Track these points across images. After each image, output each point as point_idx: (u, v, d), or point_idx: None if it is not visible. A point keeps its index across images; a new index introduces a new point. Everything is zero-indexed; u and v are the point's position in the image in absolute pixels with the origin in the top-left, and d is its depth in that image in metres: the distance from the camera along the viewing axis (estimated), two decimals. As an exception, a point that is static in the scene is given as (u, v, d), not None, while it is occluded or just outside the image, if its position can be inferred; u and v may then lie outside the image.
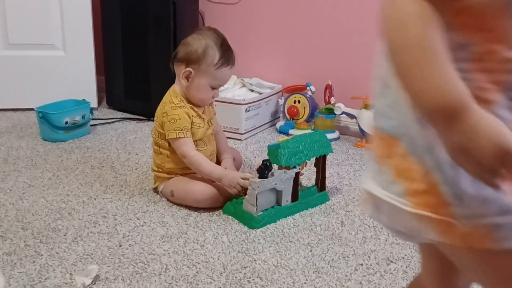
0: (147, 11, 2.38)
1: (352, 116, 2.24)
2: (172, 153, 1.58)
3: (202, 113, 1.60)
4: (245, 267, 1.25)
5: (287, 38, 2.42)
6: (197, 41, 1.53)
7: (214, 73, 1.53)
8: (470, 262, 0.63)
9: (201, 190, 1.51)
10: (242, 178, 1.49)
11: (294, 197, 1.53)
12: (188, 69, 1.53)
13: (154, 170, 1.63)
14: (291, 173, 1.49)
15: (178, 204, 1.57)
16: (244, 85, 2.41)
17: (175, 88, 1.59)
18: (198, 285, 1.18)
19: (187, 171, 1.59)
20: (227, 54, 1.54)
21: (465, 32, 0.54)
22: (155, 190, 1.66)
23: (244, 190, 1.48)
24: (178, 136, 1.52)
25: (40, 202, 1.58)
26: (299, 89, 2.37)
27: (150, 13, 2.37)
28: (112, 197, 1.62)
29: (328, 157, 1.64)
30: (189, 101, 1.58)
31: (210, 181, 1.56)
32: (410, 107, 0.57)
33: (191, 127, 1.55)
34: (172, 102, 1.56)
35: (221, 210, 1.54)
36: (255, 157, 2.01)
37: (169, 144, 1.57)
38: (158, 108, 1.60)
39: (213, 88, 1.56)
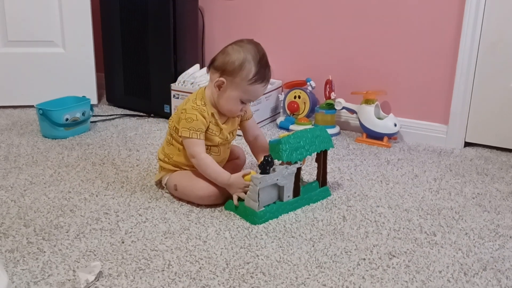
0: (146, 7, 2.37)
1: (352, 111, 2.24)
2: (183, 148, 1.57)
3: (224, 123, 1.58)
4: (247, 263, 1.26)
5: (287, 33, 2.42)
6: (236, 53, 1.50)
7: (246, 88, 1.50)
8: None
9: (204, 187, 1.51)
10: (245, 175, 1.49)
11: (296, 192, 1.53)
12: (221, 79, 1.50)
13: (160, 159, 1.62)
14: (293, 168, 1.49)
15: (180, 200, 1.57)
16: (244, 81, 2.41)
17: (206, 91, 1.57)
18: (201, 281, 1.18)
19: (193, 168, 1.58)
20: (263, 71, 1.52)
21: None
22: (157, 183, 1.66)
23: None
24: (191, 136, 1.51)
25: (41, 199, 1.58)
26: (299, 85, 2.37)
27: (149, 9, 2.37)
28: (113, 193, 1.62)
29: (329, 152, 1.64)
30: (215, 107, 1.56)
31: (204, 181, 1.56)
32: None
33: (207, 132, 1.54)
34: (195, 102, 1.53)
35: (223, 206, 1.54)
36: (256, 153, 2.01)
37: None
38: (182, 102, 1.59)
39: (243, 102, 1.54)
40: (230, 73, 1.49)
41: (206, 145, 1.56)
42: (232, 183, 1.50)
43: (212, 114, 1.55)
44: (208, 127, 1.54)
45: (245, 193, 1.47)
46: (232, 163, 1.72)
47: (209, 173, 1.52)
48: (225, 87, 1.51)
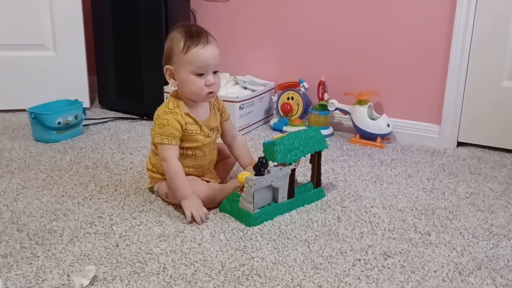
0: (138, 10, 2.36)
1: (345, 112, 2.24)
2: None
3: (205, 120, 1.55)
4: (243, 265, 1.25)
5: (280, 35, 2.42)
6: (166, 42, 1.53)
7: (186, 59, 1.47)
8: None
9: (196, 191, 1.50)
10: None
11: (290, 194, 1.53)
12: (166, 66, 1.52)
13: (149, 169, 1.62)
14: (287, 169, 1.49)
15: (174, 203, 1.56)
16: (237, 83, 2.41)
17: (175, 93, 1.57)
18: (196, 284, 1.18)
19: None
20: (192, 35, 1.48)
21: None
22: (151, 189, 1.65)
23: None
24: (162, 142, 1.48)
25: (34, 203, 1.56)
26: (292, 86, 2.37)
27: (141, 11, 2.36)
28: (107, 197, 1.61)
29: (323, 153, 1.64)
30: (188, 104, 1.53)
31: (204, 181, 1.56)
32: None
33: (186, 134, 1.51)
34: (167, 106, 1.52)
35: (217, 208, 1.53)
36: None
37: None
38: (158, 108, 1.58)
39: (200, 75, 1.48)
40: (169, 58, 1.51)
41: (190, 148, 1.54)
42: (190, 201, 1.46)
43: (187, 114, 1.52)
44: (186, 129, 1.51)
45: (197, 221, 1.45)
46: (223, 162, 1.71)
47: (174, 181, 1.48)
48: (174, 73, 1.51)
